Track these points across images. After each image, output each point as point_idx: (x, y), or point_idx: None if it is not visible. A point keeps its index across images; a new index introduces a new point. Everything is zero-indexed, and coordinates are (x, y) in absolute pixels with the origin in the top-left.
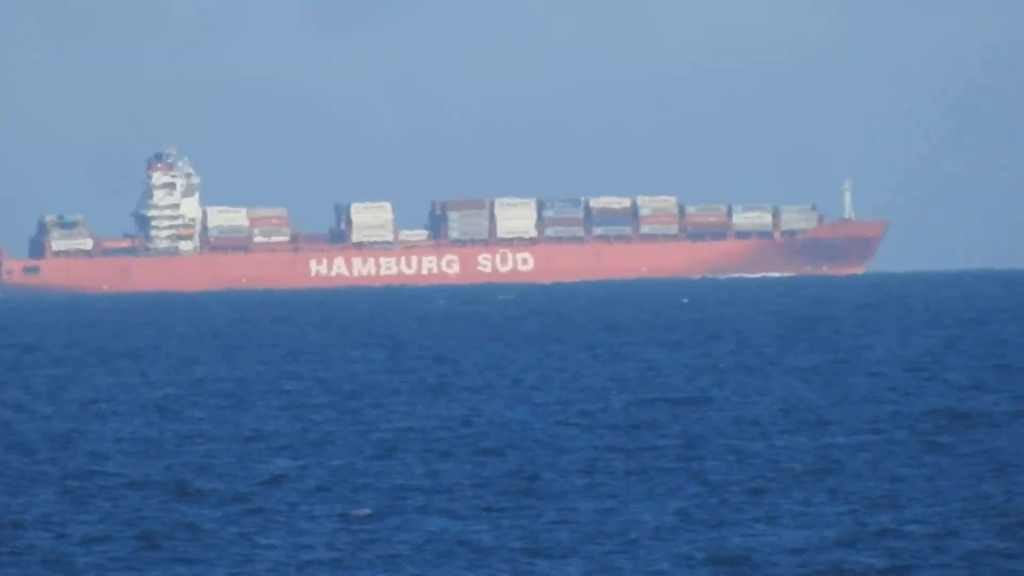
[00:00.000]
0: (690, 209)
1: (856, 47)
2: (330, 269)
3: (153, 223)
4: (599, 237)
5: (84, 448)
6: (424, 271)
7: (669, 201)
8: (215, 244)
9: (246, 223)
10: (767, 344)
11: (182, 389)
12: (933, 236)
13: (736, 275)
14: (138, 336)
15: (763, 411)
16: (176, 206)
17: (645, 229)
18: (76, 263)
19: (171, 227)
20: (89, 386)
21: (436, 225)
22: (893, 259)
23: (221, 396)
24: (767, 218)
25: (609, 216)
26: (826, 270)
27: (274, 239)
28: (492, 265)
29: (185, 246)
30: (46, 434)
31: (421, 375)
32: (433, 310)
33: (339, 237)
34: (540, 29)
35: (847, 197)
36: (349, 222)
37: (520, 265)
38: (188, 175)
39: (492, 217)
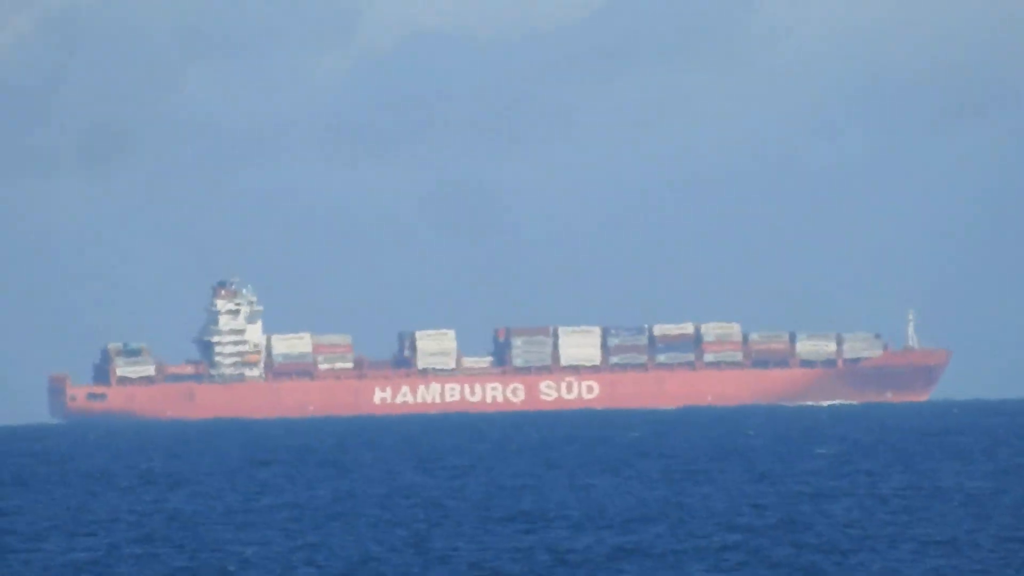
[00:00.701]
0: (753, 336)
1: (922, 174)
2: (395, 396)
3: (217, 349)
4: (662, 364)
5: None
6: (488, 399)
7: (732, 328)
8: (279, 370)
9: (310, 349)
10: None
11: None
12: (996, 364)
13: (805, 403)
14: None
15: None
16: (240, 332)
17: (709, 356)
18: (140, 389)
19: (236, 353)
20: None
21: (500, 352)
22: (956, 386)
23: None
24: (831, 346)
25: (672, 343)
26: (890, 397)
27: (338, 366)
28: (557, 392)
29: (250, 372)
30: None
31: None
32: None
33: (403, 363)
34: (593, 150)
35: (911, 327)
36: (413, 349)
37: (585, 393)
38: (251, 302)
39: (556, 344)
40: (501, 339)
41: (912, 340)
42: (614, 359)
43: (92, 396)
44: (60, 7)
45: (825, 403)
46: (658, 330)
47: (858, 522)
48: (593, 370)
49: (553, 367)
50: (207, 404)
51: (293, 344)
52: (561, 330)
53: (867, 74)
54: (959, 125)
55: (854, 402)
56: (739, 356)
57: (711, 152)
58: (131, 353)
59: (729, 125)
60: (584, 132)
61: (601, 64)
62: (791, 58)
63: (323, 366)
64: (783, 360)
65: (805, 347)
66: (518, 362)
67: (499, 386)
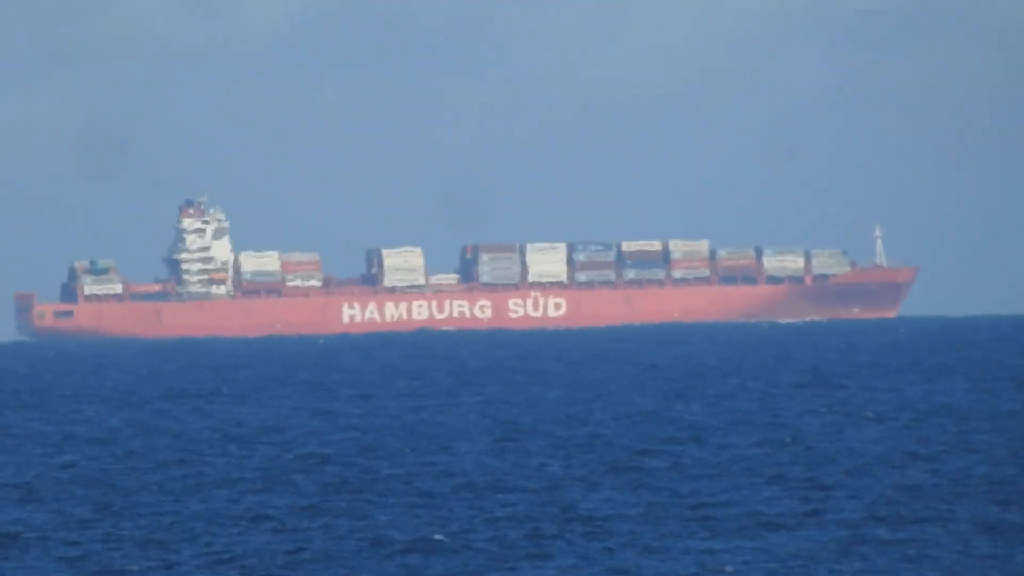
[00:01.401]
0: (721, 252)
1: (887, 90)
2: (363, 314)
3: (184, 267)
4: (631, 281)
5: None
6: (456, 315)
7: (701, 245)
8: (247, 288)
9: (278, 267)
10: None
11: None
12: (963, 280)
13: (771, 320)
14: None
15: None
16: (207, 249)
17: (677, 273)
18: (108, 308)
19: (203, 271)
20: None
21: (467, 269)
22: (923, 303)
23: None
24: (799, 262)
25: (640, 259)
26: (857, 313)
27: (307, 283)
28: (524, 310)
29: (217, 290)
30: None
31: None
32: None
33: (370, 281)
34: (566, 65)
35: (878, 243)
36: (381, 266)
37: (552, 310)
38: (219, 220)
39: (523, 261)
40: (468, 256)
41: (879, 257)
42: (581, 276)
43: (59, 314)
44: None
45: (790, 320)
46: (626, 247)
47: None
48: (560, 287)
49: (520, 284)
50: (174, 323)
51: (261, 262)
52: (529, 247)
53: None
54: (920, 39)
55: (820, 318)
56: (707, 272)
57: (676, 67)
58: (98, 271)
59: (692, 40)
60: (550, 43)
61: None
62: None
63: (291, 283)
64: (751, 277)
65: (772, 263)
66: (485, 279)
67: (466, 303)
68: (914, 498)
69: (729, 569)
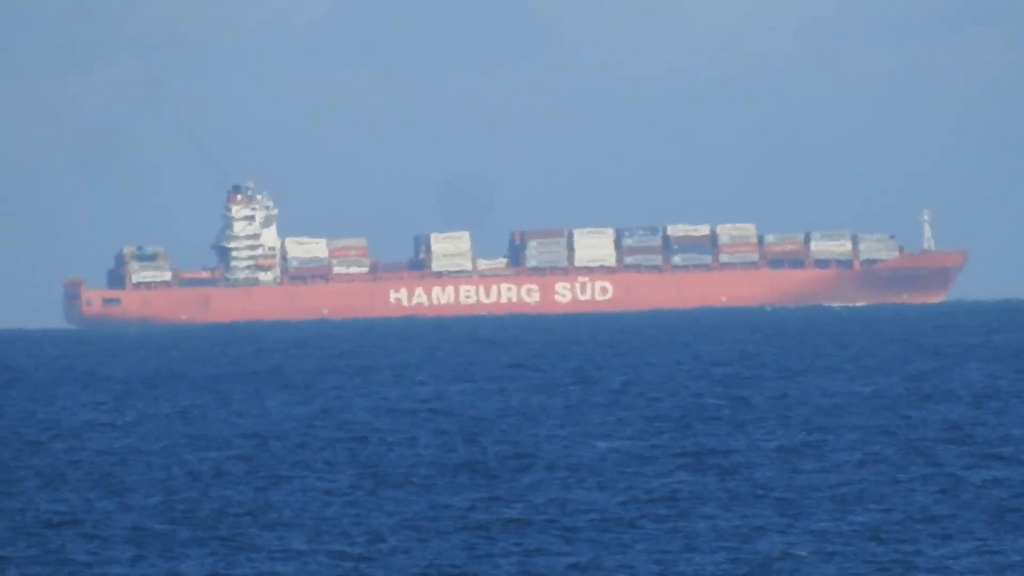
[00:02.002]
0: (769, 237)
1: (933, 75)
2: (410, 298)
3: (233, 254)
4: (678, 266)
5: None
6: (503, 299)
7: (748, 229)
8: (295, 274)
9: (325, 253)
10: None
11: None
12: (1012, 264)
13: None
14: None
15: None
16: (256, 236)
17: (724, 257)
18: (155, 294)
19: (251, 257)
20: None
21: (515, 254)
22: (972, 287)
23: None
24: (846, 246)
25: (688, 244)
26: (906, 299)
27: (353, 269)
28: (571, 294)
29: (265, 276)
30: None
31: None
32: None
33: (418, 266)
34: (614, 49)
35: (926, 228)
36: (428, 251)
37: (598, 294)
38: (267, 207)
39: (571, 246)
40: (517, 242)
41: (927, 241)
42: (629, 260)
43: (107, 301)
44: None
45: (839, 304)
46: (673, 231)
47: None
48: (608, 271)
49: (568, 268)
50: (222, 308)
51: (308, 248)
52: (576, 232)
53: None
54: (974, 25)
55: (867, 303)
56: (754, 257)
57: (724, 52)
58: (146, 257)
59: (739, 25)
60: (599, 25)
61: None
62: None
63: (338, 269)
64: (798, 261)
65: (820, 247)
66: (532, 263)
67: (513, 287)
68: None
69: None
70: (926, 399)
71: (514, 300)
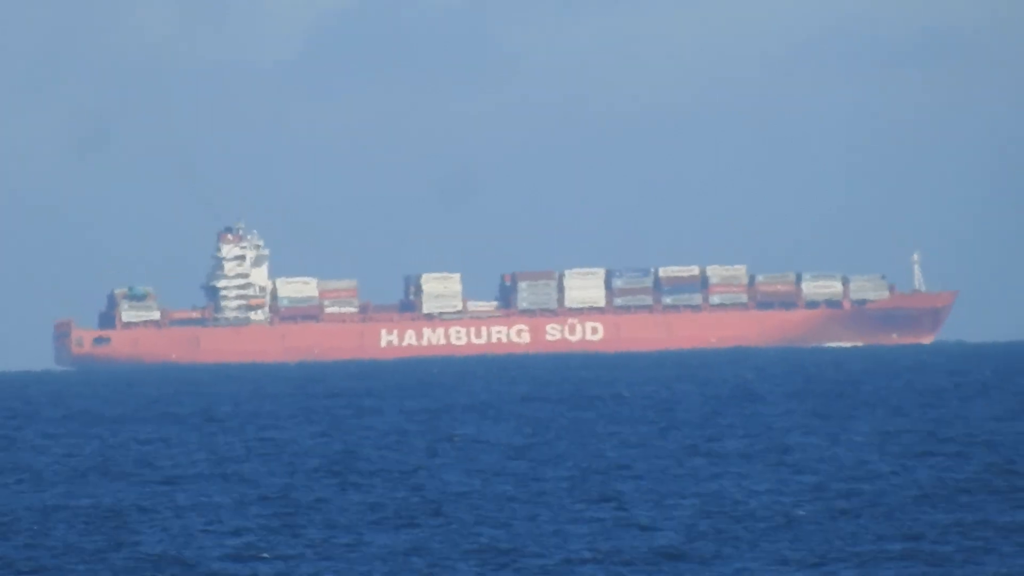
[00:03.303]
0: (759, 278)
1: (923, 118)
2: (401, 339)
3: (223, 293)
4: (668, 307)
5: None
6: (493, 340)
7: (738, 270)
8: (285, 314)
9: (316, 293)
10: None
11: None
12: (1001, 305)
13: (812, 344)
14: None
15: None
16: (246, 276)
17: (714, 298)
18: (146, 334)
19: (241, 297)
20: None
21: (506, 295)
22: (962, 328)
23: None
24: (836, 287)
25: (678, 285)
26: (896, 339)
27: (344, 309)
28: (561, 334)
29: (256, 316)
30: None
31: None
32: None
33: (409, 307)
34: (599, 90)
35: (916, 269)
36: (419, 292)
37: (589, 334)
38: (257, 246)
39: (561, 287)
40: (507, 283)
41: (918, 281)
42: (619, 301)
43: (97, 340)
44: None
45: (831, 344)
46: (663, 272)
47: None
48: (598, 311)
49: (558, 309)
50: (212, 348)
51: (299, 288)
52: (567, 273)
53: (861, 19)
54: (963, 70)
55: (859, 343)
56: (744, 298)
57: (712, 92)
58: (137, 297)
59: (726, 65)
60: (582, 66)
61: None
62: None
63: (329, 310)
64: (789, 302)
65: (811, 288)
66: (523, 305)
67: (504, 328)
68: None
69: None
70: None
71: (504, 341)
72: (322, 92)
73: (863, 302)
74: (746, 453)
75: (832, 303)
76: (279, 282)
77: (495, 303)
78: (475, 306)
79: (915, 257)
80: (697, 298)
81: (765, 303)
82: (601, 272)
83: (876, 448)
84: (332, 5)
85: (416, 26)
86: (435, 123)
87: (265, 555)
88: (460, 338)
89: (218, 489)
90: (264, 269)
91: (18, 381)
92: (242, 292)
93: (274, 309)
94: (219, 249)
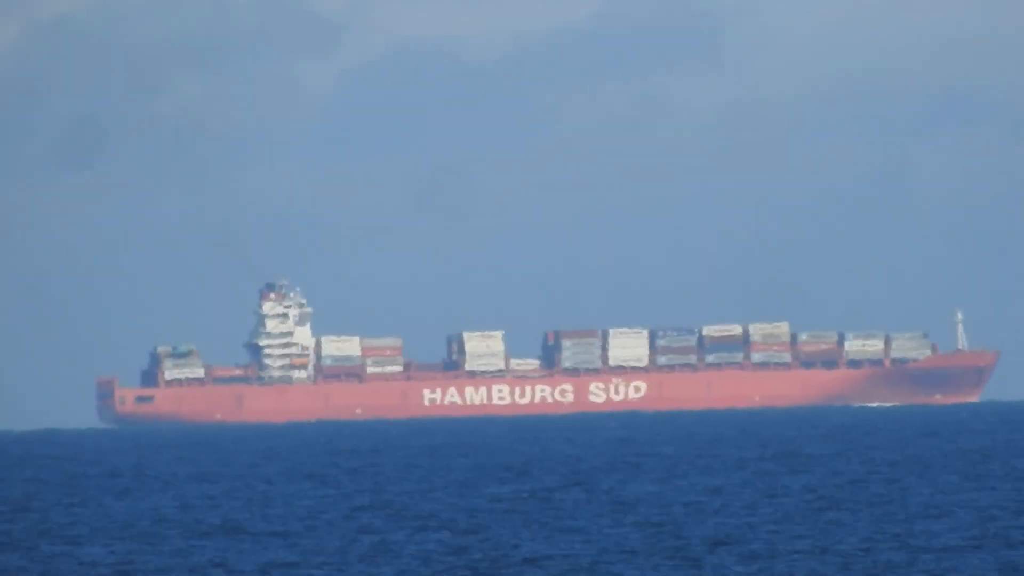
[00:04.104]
0: (802, 336)
1: (963, 175)
2: (443, 398)
3: (266, 352)
4: (711, 365)
5: None
6: (537, 399)
7: (781, 328)
8: (328, 373)
9: (359, 352)
10: None
11: None
12: None
13: (856, 404)
14: None
15: None
16: (289, 334)
17: (757, 357)
18: (189, 392)
19: (284, 356)
20: None
21: (549, 354)
22: (1004, 387)
23: None
24: (879, 346)
25: (721, 343)
26: (939, 399)
27: (387, 368)
28: (606, 394)
29: (299, 375)
30: None
31: None
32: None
33: (452, 366)
34: (638, 147)
35: (959, 327)
36: (462, 351)
37: (632, 393)
38: (300, 304)
39: (605, 346)
40: (550, 342)
41: (961, 341)
42: (662, 359)
43: (140, 399)
44: (51, 16)
45: (873, 404)
46: (707, 331)
47: None
48: (642, 371)
49: (602, 368)
50: (256, 407)
51: (342, 346)
52: (611, 332)
53: (873, 73)
54: (1003, 127)
55: (899, 404)
56: (787, 356)
57: (750, 148)
58: (180, 355)
59: (763, 127)
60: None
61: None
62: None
63: (372, 369)
64: (831, 360)
65: (853, 347)
66: (567, 364)
67: (548, 388)
68: None
69: None
70: None
71: (548, 400)
72: (359, 151)
73: (904, 361)
74: None
75: (875, 362)
76: (323, 340)
77: (537, 362)
78: (518, 364)
79: (958, 316)
80: (739, 356)
81: (807, 362)
82: (645, 331)
83: None
84: (325, 73)
85: (453, 81)
86: (473, 179)
87: None
88: (503, 397)
89: None
90: (307, 327)
91: (94, 438)
92: (285, 351)
93: (317, 367)
94: (261, 307)
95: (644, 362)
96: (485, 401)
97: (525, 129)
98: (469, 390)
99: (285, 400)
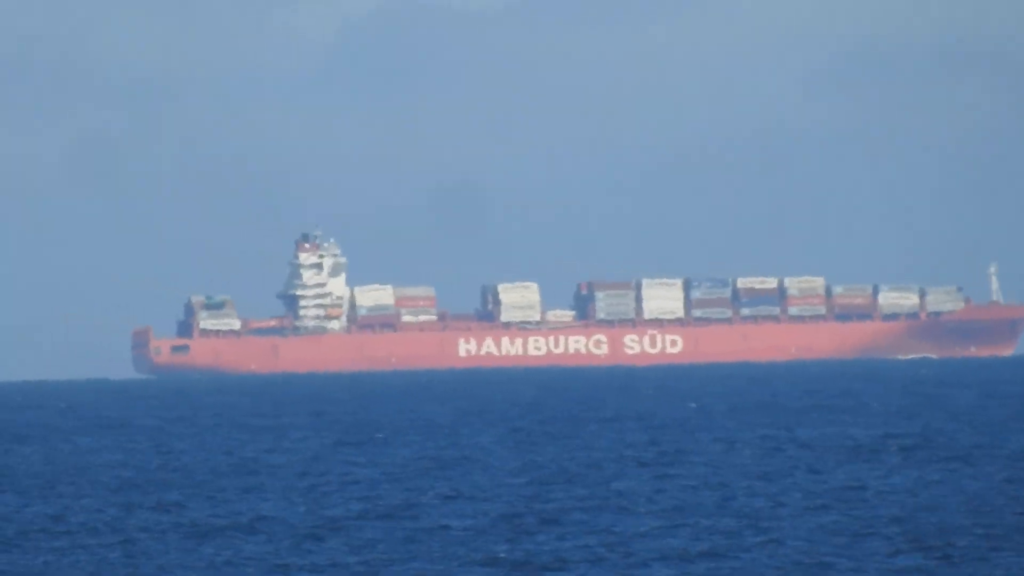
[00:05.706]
0: (836, 289)
1: (1003, 129)
2: (479, 348)
3: (301, 303)
4: (746, 318)
5: None
6: (571, 351)
7: (816, 282)
8: (363, 323)
9: (393, 302)
10: None
11: None
12: None
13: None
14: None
15: None
16: (323, 285)
17: (793, 310)
18: (224, 343)
19: (319, 306)
20: None
21: (583, 305)
22: None
23: None
24: (913, 299)
25: (756, 296)
26: (974, 351)
27: (422, 318)
28: (640, 346)
29: (333, 325)
30: None
31: None
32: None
33: (486, 317)
34: (684, 100)
35: (993, 280)
36: (497, 302)
37: (668, 347)
38: (335, 255)
39: (639, 297)
40: (584, 292)
41: (995, 294)
42: (697, 312)
43: (176, 349)
44: None
45: (906, 357)
46: (741, 283)
47: None
48: (677, 323)
49: (636, 320)
50: (291, 357)
51: (376, 296)
52: (644, 283)
53: (922, 29)
54: None
55: (934, 356)
56: (822, 309)
57: (793, 104)
58: (215, 306)
59: (808, 78)
60: (664, 77)
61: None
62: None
63: (406, 318)
64: (866, 313)
65: (887, 300)
66: (601, 315)
67: (583, 339)
68: None
69: None
70: None
71: (583, 352)
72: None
73: (939, 314)
74: None
75: (909, 315)
76: (357, 290)
77: (573, 313)
78: (553, 315)
79: (992, 269)
80: (775, 310)
81: (842, 315)
82: (678, 282)
83: None
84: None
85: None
86: (515, 136)
87: None
88: (539, 348)
89: None
90: (342, 278)
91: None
92: (320, 301)
93: (351, 318)
94: (296, 257)
95: (679, 314)
96: (520, 352)
97: (567, 76)
98: (504, 341)
99: (320, 350)
